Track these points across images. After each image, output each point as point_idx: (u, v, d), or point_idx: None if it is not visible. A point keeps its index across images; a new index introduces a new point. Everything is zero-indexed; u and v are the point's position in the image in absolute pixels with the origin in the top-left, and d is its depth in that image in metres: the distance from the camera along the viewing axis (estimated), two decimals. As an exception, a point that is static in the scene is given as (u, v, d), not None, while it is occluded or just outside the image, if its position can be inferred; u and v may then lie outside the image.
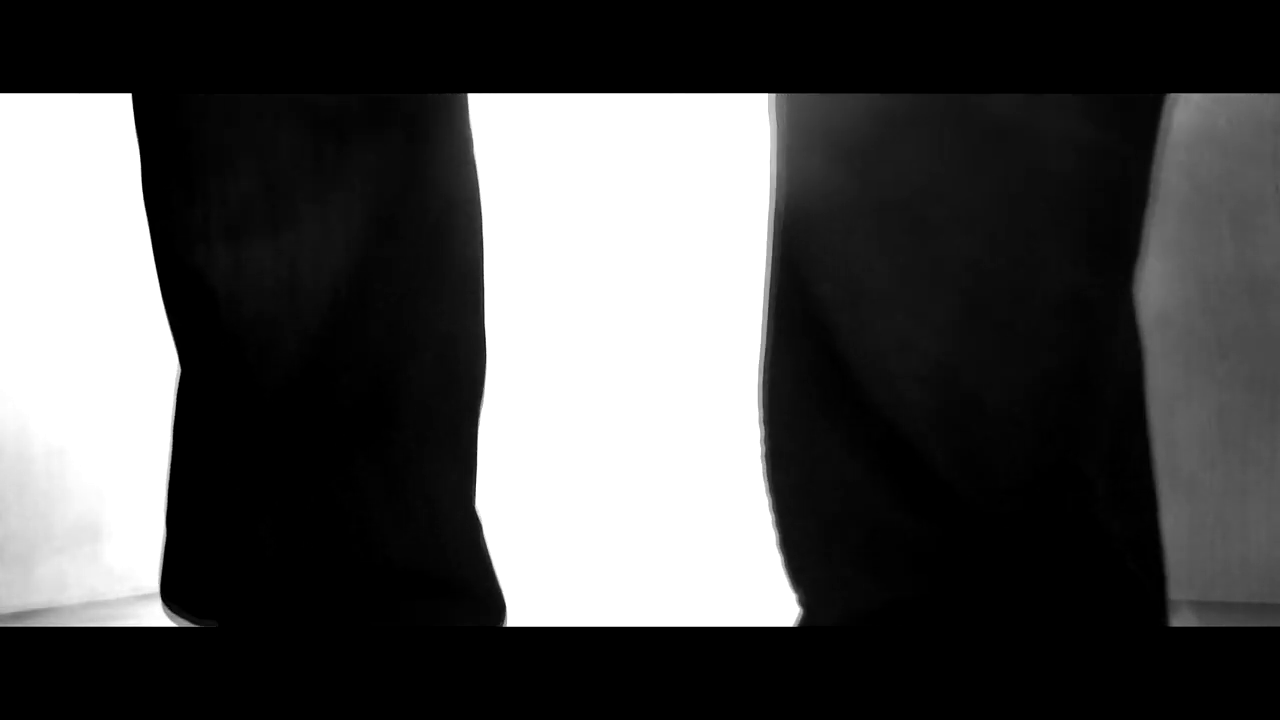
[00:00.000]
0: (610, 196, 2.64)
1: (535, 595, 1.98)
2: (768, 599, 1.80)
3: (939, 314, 0.80)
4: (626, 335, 2.71)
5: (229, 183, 0.92)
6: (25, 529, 2.02)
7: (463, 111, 1.00)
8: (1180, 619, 0.86)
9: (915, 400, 0.80)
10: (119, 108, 1.88)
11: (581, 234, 2.61)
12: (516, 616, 1.02)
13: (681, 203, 2.64)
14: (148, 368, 2.00)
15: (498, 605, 1.00)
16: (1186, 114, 1.73)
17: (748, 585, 1.99)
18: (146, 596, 1.99)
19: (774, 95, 0.86)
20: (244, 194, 0.92)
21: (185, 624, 0.99)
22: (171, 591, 0.99)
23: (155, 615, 1.26)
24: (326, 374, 0.95)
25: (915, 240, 0.80)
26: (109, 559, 2.02)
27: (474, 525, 1.01)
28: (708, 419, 2.77)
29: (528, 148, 2.60)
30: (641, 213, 2.65)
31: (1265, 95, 1.70)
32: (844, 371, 0.82)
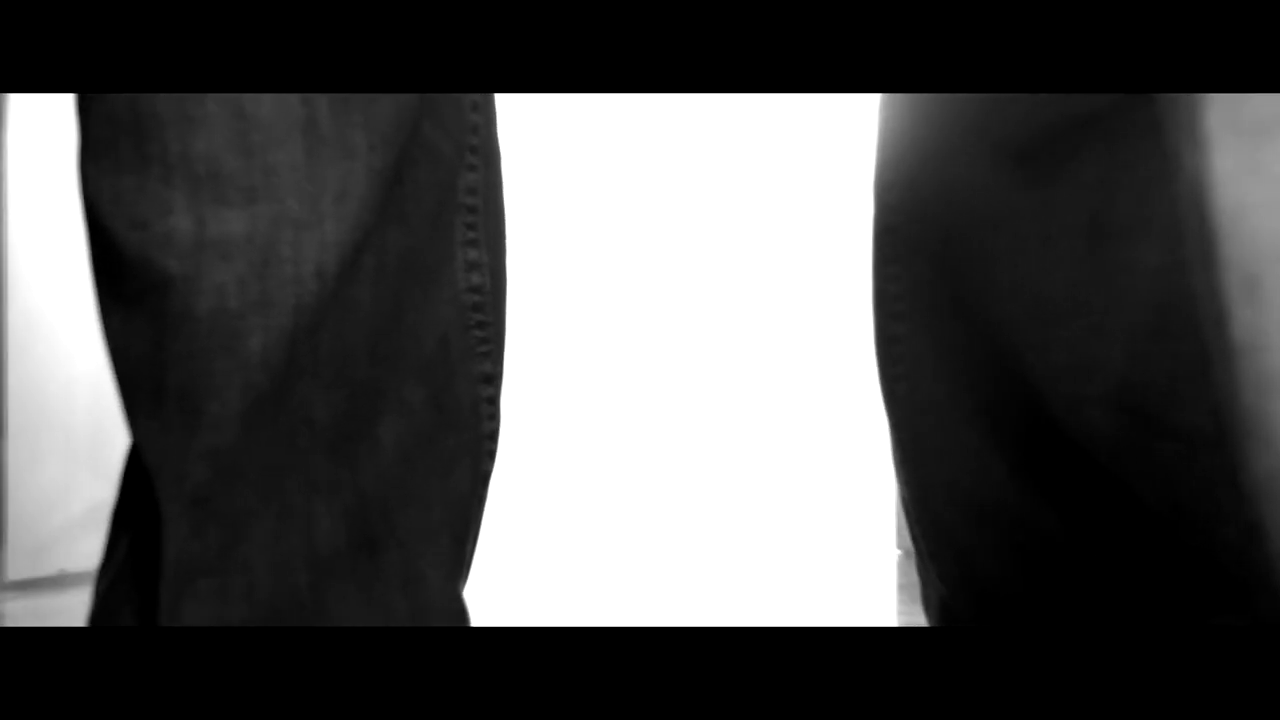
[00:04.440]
0: (628, 196, 2.64)
1: (536, 596, 1.92)
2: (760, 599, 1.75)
3: (1123, 328, 0.74)
4: (635, 335, 2.71)
5: (195, 136, 0.71)
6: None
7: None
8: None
9: (1098, 425, 0.75)
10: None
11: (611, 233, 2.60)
12: (516, 617, 0.90)
13: (697, 203, 2.64)
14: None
15: None
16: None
17: (748, 585, 1.93)
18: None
19: (894, 96, 0.78)
20: (213, 151, 0.71)
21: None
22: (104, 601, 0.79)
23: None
24: (291, 386, 0.74)
25: (1097, 248, 0.74)
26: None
27: (462, 617, 0.80)
28: (705, 419, 2.77)
29: (546, 147, 2.58)
30: (669, 211, 2.64)
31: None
32: (1025, 393, 0.76)
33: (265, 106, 0.72)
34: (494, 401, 0.81)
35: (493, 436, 0.81)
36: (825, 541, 3.03)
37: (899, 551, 2.98)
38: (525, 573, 2.41)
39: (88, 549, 2.66)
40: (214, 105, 0.72)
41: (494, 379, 0.81)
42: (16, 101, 2.39)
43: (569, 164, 2.67)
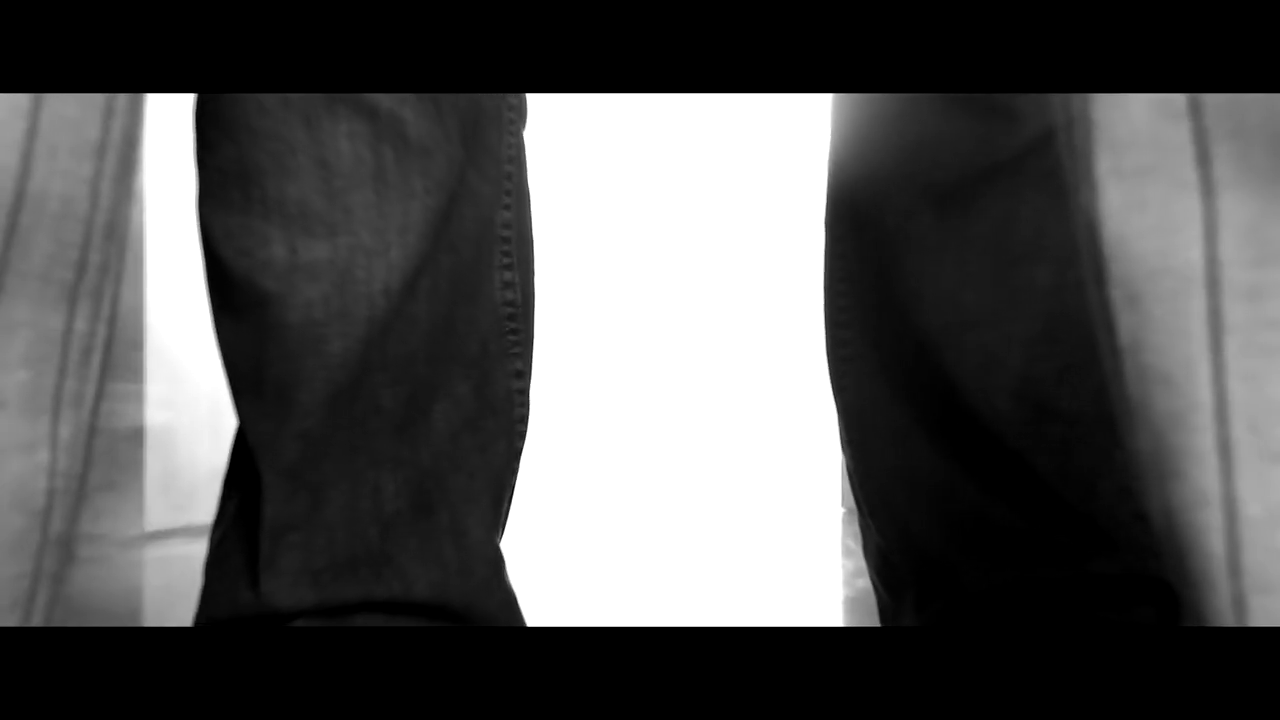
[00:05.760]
0: (622, 198, 2.63)
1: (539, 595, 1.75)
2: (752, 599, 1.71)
3: (1022, 334, 0.75)
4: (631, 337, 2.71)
5: (288, 183, 0.72)
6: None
7: (511, 136, 0.80)
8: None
9: (1003, 411, 0.75)
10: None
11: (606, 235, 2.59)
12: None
13: (685, 206, 2.64)
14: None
15: None
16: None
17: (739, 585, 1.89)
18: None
19: (840, 142, 0.78)
20: (303, 195, 0.72)
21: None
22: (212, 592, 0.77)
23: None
24: (364, 381, 0.74)
25: (1001, 270, 0.75)
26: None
27: (499, 563, 0.79)
28: (701, 418, 2.77)
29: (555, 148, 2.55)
30: (661, 213, 2.64)
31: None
32: (946, 386, 0.76)
33: (344, 159, 0.72)
34: (524, 392, 0.81)
35: (523, 420, 0.81)
36: (780, 500, 3.02)
37: (843, 509, 2.98)
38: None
39: (207, 506, 2.66)
40: (303, 158, 0.72)
41: (524, 374, 0.81)
42: (158, 123, 2.38)
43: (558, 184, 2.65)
